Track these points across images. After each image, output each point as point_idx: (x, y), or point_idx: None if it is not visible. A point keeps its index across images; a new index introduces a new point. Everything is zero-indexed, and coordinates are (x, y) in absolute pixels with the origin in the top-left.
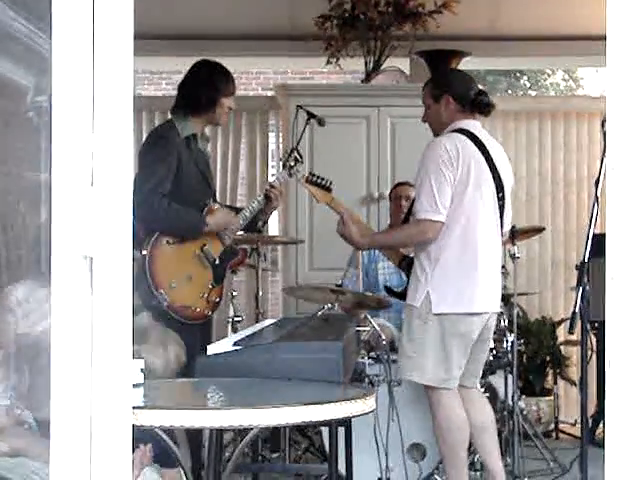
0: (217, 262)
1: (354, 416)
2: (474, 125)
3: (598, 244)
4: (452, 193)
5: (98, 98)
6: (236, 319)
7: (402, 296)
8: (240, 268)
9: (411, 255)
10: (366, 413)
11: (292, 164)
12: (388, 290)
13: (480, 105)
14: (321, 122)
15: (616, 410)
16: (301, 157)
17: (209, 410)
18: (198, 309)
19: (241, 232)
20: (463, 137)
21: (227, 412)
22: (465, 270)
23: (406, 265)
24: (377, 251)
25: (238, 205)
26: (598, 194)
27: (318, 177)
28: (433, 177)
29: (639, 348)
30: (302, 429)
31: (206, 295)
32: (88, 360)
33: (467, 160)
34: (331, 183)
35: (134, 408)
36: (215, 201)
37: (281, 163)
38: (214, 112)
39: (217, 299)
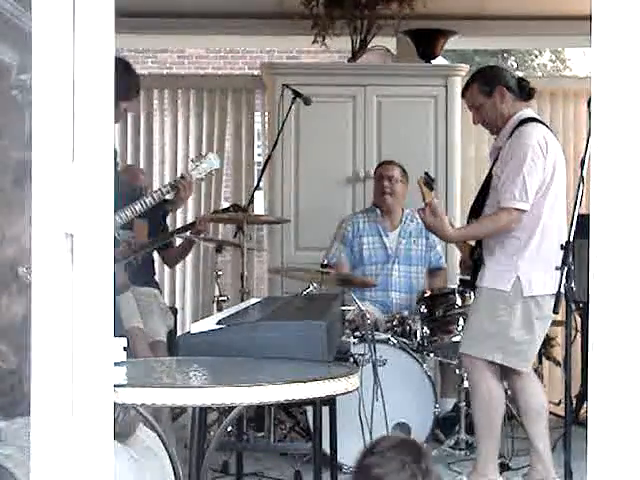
0: None
1: (338, 394)
2: (534, 113)
3: (583, 225)
4: (540, 182)
5: (79, 75)
6: (221, 299)
7: (472, 284)
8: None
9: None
10: (350, 392)
11: (203, 164)
12: (462, 281)
13: (525, 90)
14: (307, 101)
15: (598, 391)
16: (217, 160)
17: (192, 388)
18: None
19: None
20: (545, 127)
21: (210, 390)
22: (547, 255)
23: (478, 256)
24: (361, 225)
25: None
26: (584, 174)
27: (430, 177)
28: (525, 168)
29: (622, 329)
30: (287, 409)
31: None
32: (69, 338)
33: (554, 150)
34: (434, 181)
35: (116, 386)
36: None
37: (190, 161)
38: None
39: None
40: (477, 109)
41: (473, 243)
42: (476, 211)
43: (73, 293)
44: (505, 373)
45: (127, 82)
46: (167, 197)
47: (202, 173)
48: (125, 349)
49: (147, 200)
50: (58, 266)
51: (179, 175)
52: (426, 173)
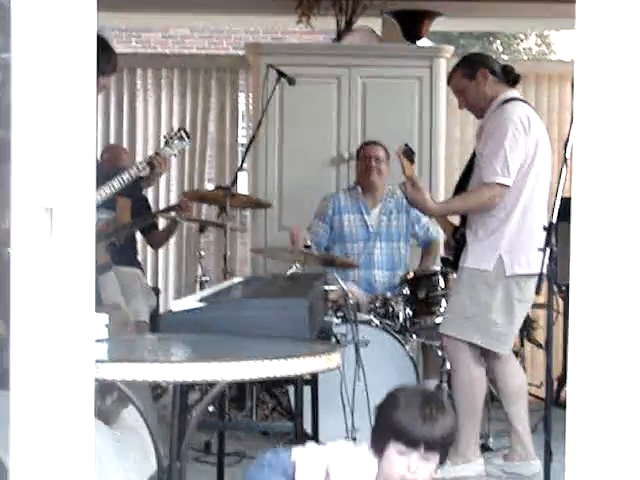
0: None
1: (319, 371)
2: (518, 94)
3: (566, 208)
4: (523, 159)
5: (59, 51)
6: (204, 279)
7: (455, 265)
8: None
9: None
10: (331, 369)
11: (175, 141)
12: (444, 261)
13: (510, 75)
14: (291, 81)
15: (578, 372)
16: (188, 137)
17: (172, 364)
18: None
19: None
20: (528, 106)
21: (191, 366)
22: (528, 235)
23: (460, 235)
24: (342, 202)
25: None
26: (567, 156)
27: (411, 150)
28: (507, 143)
29: (602, 311)
30: (269, 389)
31: None
32: (49, 312)
33: (536, 129)
34: (414, 154)
35: (96, 362)
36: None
37: (163, 137)
38: None
39: None
40: (461, 93)
41: (457, 223)
42: (462, 190)
43: (53, 267)
44: (485, 355)
45: (103, 57)
46: (142, 174)
47: (175, 150)
48: (107, 326)
49: (124, 177)
50: (37, 240)
51: (153, 152)
52: (406, 145)
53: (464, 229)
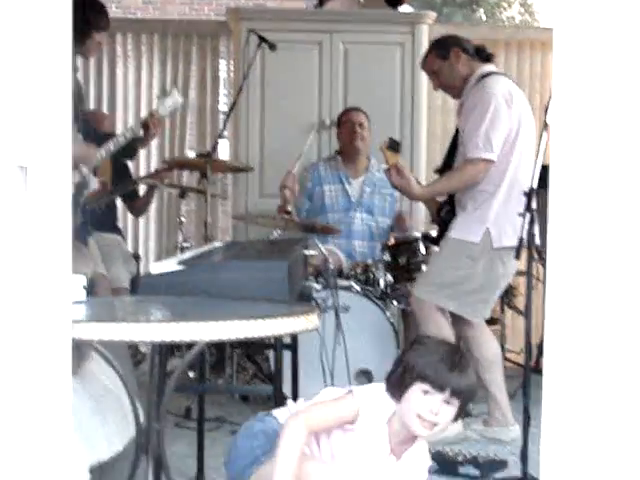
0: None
1: (297, 332)
2: (495, 69)
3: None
4: (507, 134)
5: (34, 3)
6: (184, 245)
7: (436, 241)
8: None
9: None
10: (309, 330)
11: (168, 99)
12: (425, 236)
13: (484, 54)
14: (272, 47)
15: (554, 338)
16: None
17: (150, 323)
18: None
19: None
20: (509, 80)
21: (169, 325)
22: (516, 206)
23: (445, 213)
24: (322, 173)
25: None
26: (547, 121)
27: (395, 142)
28: (489, 117)
29: (579, 278)
30: (250, 355)
31: None
32: (25, 272)
33: (519, 103)
34: (399, 144)
35: (73, 321)
36: (83, 129)
37: (156, 97)
38: (83, 44)
39: None
40: (435, 73)
41: (441, 200)
42: (448, 167)
43: (27, 227)
44: (456, 322)
45: (96, 12)
46: (137, 136)
47: (168, 109)
48: (85, 288)
49: (120, 139)
50: (11, 199)
51: (148, 113)
52: (390, 138)
53: (449, 206)
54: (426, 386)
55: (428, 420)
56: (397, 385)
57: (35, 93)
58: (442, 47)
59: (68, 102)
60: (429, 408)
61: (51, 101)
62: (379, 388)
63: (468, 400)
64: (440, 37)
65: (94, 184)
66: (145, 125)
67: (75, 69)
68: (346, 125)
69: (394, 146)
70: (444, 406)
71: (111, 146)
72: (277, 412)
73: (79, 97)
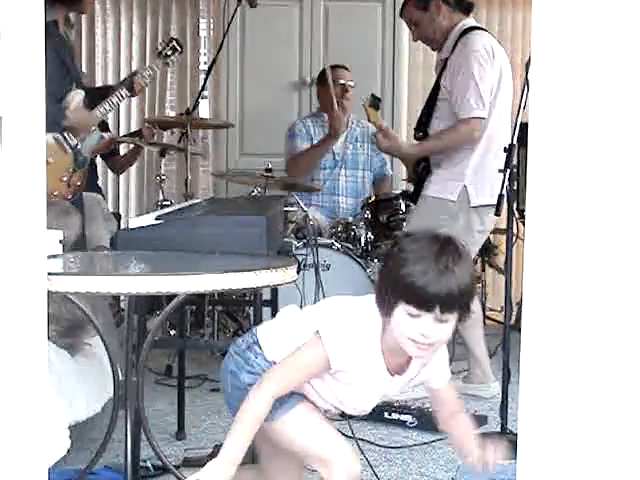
0: (79, 146)
1: (276, 284)
2: (475, 22)
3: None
4: (489, 90)
5: None
6: (165, 203)
7: (415, 199)
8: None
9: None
10: (287, 283)
11: (169, 53)
12: (404, 194)
13: (464, 3)
14: (252, 4)
15: (533, 295)
16: (181, 47)
17: (128, 276)
18: (56, 192)
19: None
20: (489, 35)
21: (146, 278)
22: (493, 164)
23: (422, 169)
24: (311, 130)
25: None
26: (529, 77)
27: (376, 98)
28: (476, 74)
29: (558, 235)
30: (230, 313)
31: (66, 179)
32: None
33: (499, 57)
34: (380, 101)
35: (49, 274)
36: (80, 86)
37: (157, 52)
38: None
39: (79, 183)
40: (415, 25)
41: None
42: (423, 124)
43: (3, 178)
44: None
45: None
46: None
47: (166, 63)
48: (61, 242)
49: (105, 107)
50: None
51: (131, 73)
52: (372, 95)
53: (425, 162)
54: (411, 307)
55: (421, 342)
56: (382, 304)
57: (7, 39)
58: None
59: (41, 48)
60: (419, 332)
61: (24, 46)
62: (354, 311)
63: (467, 303)
64: None
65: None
66: (131, 87)
67: (71, 25)
68: (334, 83)
69: (375, 103)
70: (437, 325)
71: (114, 99)
72: (263, 341)
73: (70, 55)
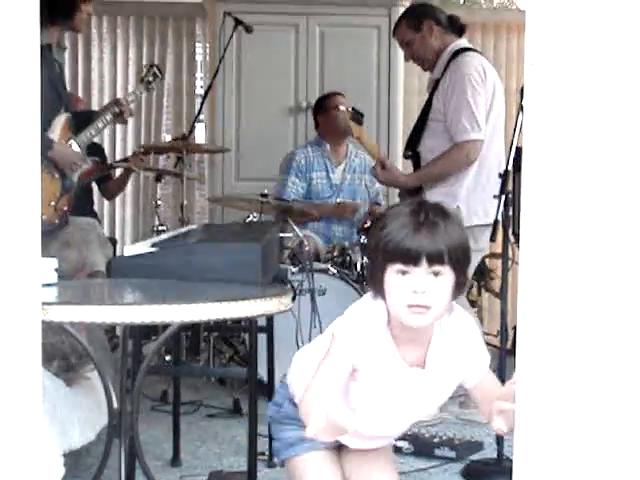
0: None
1: (270, 314)
2: (468, 43)
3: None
4: (484, 110)
5: None
6: (161, 228)
7: None
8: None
9: None
10: (282, 311)
11: (150, 79)
12: None
13: (457, 25)
14: (248, 29)
15: (527, 320)
16: (161, 73)
17: (123, 306)
18: (44, 216)
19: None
20: (481, 56)
21: (141, 308)
22: (485, 185)
23: (414, 188)
24: (312, 160)
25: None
26: (523, 103)
27: (358, 113)
28: (470, 96)
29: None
30: (226, 339)
31: (54, 203)
32: None
33: (491, 78)
34: (363, 116)
35: (44, 304)
36: (67, 111)
37: (139, 77)
38: (73, 18)
39: (65, 207)
40: (407, 45)
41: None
42: (413, 144)
43: None
44: None
45: None
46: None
47: (144, 91)
48: (56, 270)
49: (107, 117)
50: None
51: (113, 100)
52: (353, 108)
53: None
54: (397, 264)
55: (417, 304)
56: (373, 279)
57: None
58: (415, 18)
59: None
60: (412, 289)
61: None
62: (358, 308)
63: (462, 262)
64: (413, 6)
65: (87, 163)
66: (115, 114)
67: (63, 47)
68: (333, 111)
69: (357, 117)
70: (430, 279)
71: (99, 124)
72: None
73: (61, 79)
